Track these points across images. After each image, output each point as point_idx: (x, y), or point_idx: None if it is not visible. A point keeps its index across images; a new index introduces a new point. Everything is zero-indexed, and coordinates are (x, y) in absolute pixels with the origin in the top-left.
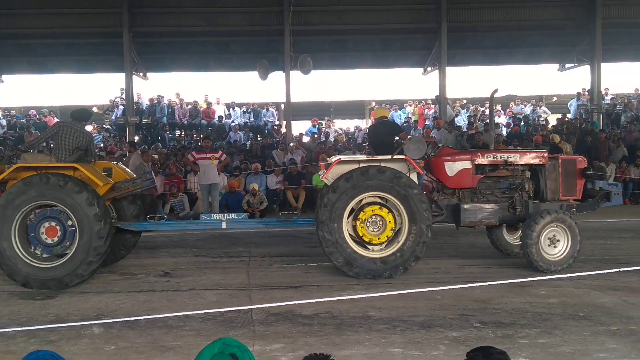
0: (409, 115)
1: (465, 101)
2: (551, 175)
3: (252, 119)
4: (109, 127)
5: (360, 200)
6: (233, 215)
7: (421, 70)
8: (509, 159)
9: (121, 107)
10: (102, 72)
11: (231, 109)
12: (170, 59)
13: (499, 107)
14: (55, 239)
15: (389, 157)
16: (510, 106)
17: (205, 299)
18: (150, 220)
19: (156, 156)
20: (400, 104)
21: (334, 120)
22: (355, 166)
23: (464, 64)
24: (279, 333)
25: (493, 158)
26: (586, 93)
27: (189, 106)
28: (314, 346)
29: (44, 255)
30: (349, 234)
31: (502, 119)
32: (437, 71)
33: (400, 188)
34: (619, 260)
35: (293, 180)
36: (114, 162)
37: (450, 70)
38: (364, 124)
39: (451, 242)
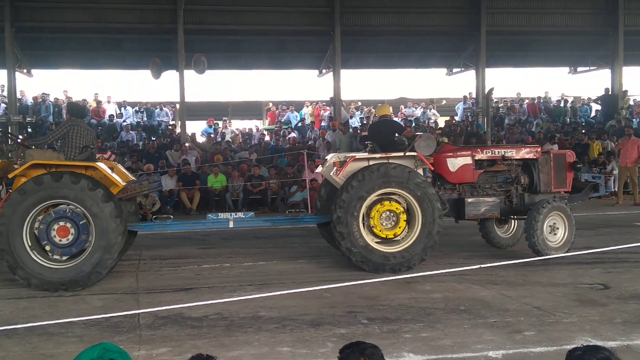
0: (305, 116)
1: (359, 103)
2: (544, 169)
3: (145, 119)
4: None
5: (377, 196)
6: (240, 214)
7: (316, 72)
8: (506, 154)
9: (3, 105)
10: None
11: (123, 108)
12: (57, 55)
13: (391, 110)
14: (69, 238)
15: (401, 154)
16: (401, 109)
17: (90, 304)
18: (156, 220)
19: None
20: (296, 105)
21: (232, 121)
22: (369, 163)
23: (358, 67)
24: (166, 337)
25: (491, 153)
26: (472, 97)
27: None
28: (202, 348)
29: (55, 257)
30: (364, 228)
31: None
32: (331, 73)
33: (417, 187)
34: (499, 256)
35: (187, 181)
36: (115, 162)
37: (345, 73)
38: (262, 124)
39: None
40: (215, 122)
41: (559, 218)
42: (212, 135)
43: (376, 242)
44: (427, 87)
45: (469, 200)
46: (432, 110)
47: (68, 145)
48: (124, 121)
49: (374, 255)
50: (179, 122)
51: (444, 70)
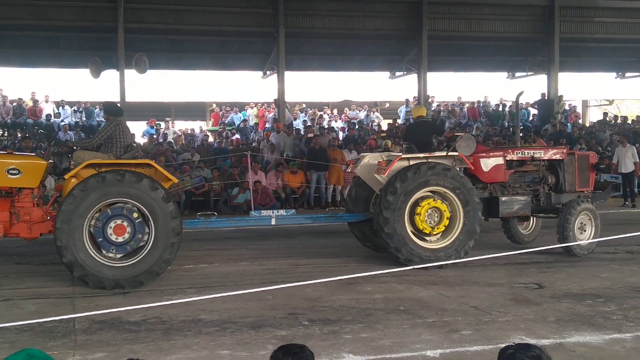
0: (248, 117)
1: (304, 105)
2: (569, 169)
3: (84, 119)
4: None
5: (424, 193)
6: (282, 211)
7: (261, 73)
8: (535, 155)
9: None
10: None
11: (60, 108)
12: None
13: (335, 112)
14: (126, 236)
15: (443, 154)
16: (346, 111)
17: (24, 309)
18: (200, 217)
19: None
20: (240, 107)
21: (174, 122)
22: (417, 162)
23: (302, 69)
24: (102, 342)
25: (522, 154)
26: (415, 100)
27: (13, 104)
28: (140, 353)
29: (118, 256)
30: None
31: (338, 124)
32: (276, 75)
33: (460, 186)
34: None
35: None
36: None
37: (289, 75)
38: (205, 125)
39: (285, 242)
40: (157, 122)
41: (587, 218)
42: (153, 136)
43: (421, 239)
44: (370, 90)
45: (503, 199)
46: (376, 113)
47: (115, 145)
48: (62, 121)
49: (418, 250)
50: None
51: (387, 74)
